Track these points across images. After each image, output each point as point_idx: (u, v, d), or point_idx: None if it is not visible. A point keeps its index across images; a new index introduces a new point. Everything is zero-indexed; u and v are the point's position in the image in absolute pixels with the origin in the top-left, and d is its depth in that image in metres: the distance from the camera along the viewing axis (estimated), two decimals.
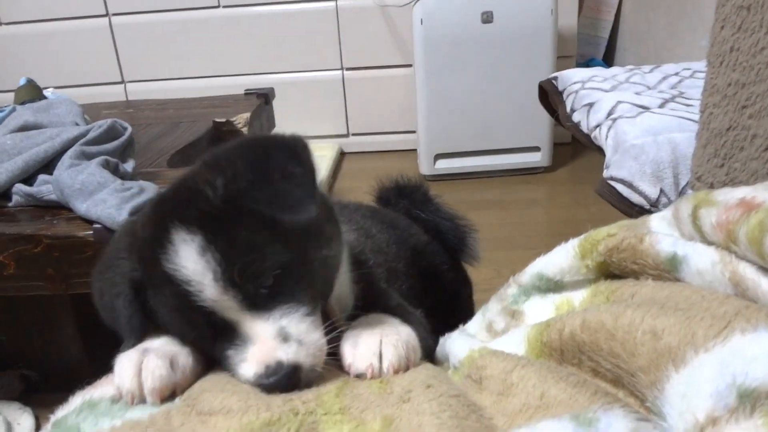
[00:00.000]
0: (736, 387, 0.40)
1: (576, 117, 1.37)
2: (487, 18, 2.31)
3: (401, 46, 2.71)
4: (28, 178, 1.25)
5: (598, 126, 1.26)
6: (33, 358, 1.45)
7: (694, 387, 0.42)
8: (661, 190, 1.09)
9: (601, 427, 0.44)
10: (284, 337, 0.56)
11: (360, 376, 0.58)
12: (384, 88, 2.79)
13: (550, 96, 1.56)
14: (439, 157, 2.53)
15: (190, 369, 0.59)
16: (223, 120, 1.77)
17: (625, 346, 0.48)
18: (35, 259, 1.13)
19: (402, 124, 2.82)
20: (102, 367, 0.62)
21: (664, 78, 1.46)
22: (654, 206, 1.08)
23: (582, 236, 0.63)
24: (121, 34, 2.80)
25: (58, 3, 2.75)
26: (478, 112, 2.45)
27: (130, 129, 1.35)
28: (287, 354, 0.55)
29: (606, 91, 1.37)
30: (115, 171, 1.23)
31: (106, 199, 1.12)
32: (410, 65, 2.61)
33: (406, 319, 0.66)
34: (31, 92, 1.64)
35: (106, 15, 2.77)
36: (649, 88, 1.40)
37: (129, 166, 1.29)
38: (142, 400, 0.56)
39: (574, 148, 2.77)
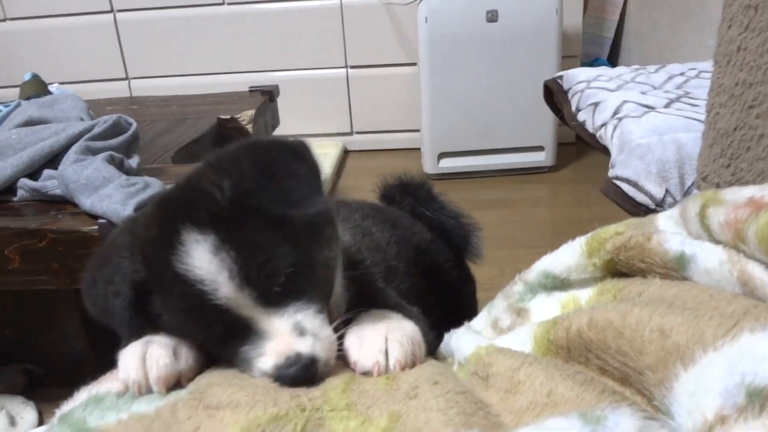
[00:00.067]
0: (745, 386, 0.40)
1: (581, 116, 1.37)
2: (492, 17, 2.31)
3: (406, 45, 2.71)
4: (33, 173, 1.25)
5: (603, 125, 1.26)
6: (37, 352, 1.46)
7: (702, 386, 0.42)
8: (667, 190, 1.08)
9: (608, 425, 0.44)
10: (300, 332, 0.57)
11: (366, 374, 0.58)
12: (388, 86, 2.79)
13: (555, 95, 1.56)
14: (443, 155, 2.53)
15: (194, 359, 0.60)
16: (228, 117, 1.77)
17: (633, 344, 0.48)
18: (40, 254, 1.13)
19: (406, 122, 2.82)
20: (106, 362, 0.63)
21: (670, 78, 1.45)
22: (659, 206, 1.08)
23: (589, 234, 0.63)
24: (126, 30, 2.80)
25: None
26: (482, 111, 2.45)
27: (135, 125, 1.35)
28: (305, 347, 0.56)
29: (611, 90, 1.37)
30: (120, 166, 1.23)
31: (111, 194, 1.12)
32: (414, 64, 2.61)
33: (404, 315, 0.66)
34: (36, 87, 1.64)
35: (111, 11, 2.77)
36: (654, 87, 1.40)
37: (134, 161, 1.29)
38: (149, 390, 0.56)
39: (578, 147, 2.77)
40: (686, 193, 1.09)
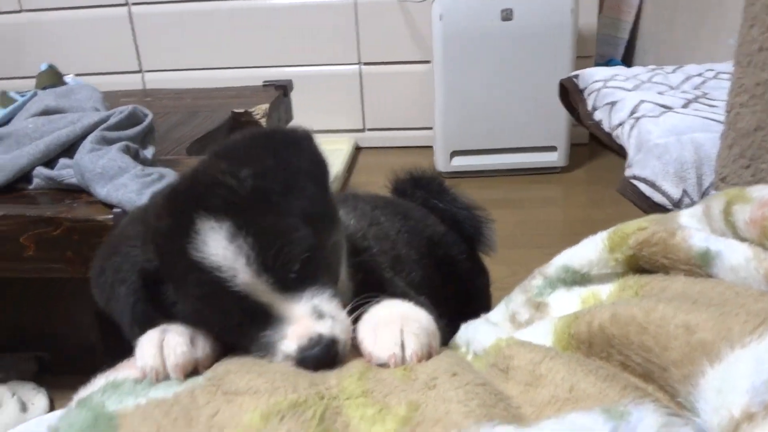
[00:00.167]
0: None
1: (597, 115, 1.36)
2: (507, 15, 2.30)
3: (420, 42, 2.70)
4: (49, 162, 1.26)
5: (620, 124, 1.25)
6: (48, 340, 1.46)
7: (729, 383, 0.42)
8: (684, 191, 1.07)
9: (632, 420, 0.43)
10: (319, 315, 0.58)
11: (382, 366, 0.58)
12: (401, 83, 2.78)
13: (570, 94, 1.55)
14: (455, 154, 2.53)
15: (210, 348, 0.60)
16: (242, 110, 1.77)
17: (658, 339, 0.47)
18: (55, 242, 1.14)
19: (418, 120, 2.81)
20: (116, 352, 0.63)
21: (687, 78, 1.44)
22: (676, 206, 1.07)
23: (611, 229, 0.62)
24: (141, 23, 2.81)
25: None
26: (495, 110, 2.44)
27: (150, 116, 1.36)
28: (325, 328, 0.57)
29: (628, 90, 1.36)
30: (136, 157, 1.23)
31: (126, 184, 1.12)
32: (428, 61, 2.60)
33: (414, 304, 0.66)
34: (52, 78, 1.65)
35: (126, 4, 2.78)
36: (671, 88, 1.39)
37: (149, 152, 1.29)
38: (166, 377, 0.56)
39: (591, 148, 2.76)
40: (704, 194, 1.08)
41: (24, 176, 1.25)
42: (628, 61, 2.85)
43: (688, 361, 0.45)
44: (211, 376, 0.55)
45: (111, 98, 1.77)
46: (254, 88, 2.04)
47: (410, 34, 2.70)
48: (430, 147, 2.68)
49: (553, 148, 2.50)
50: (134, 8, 2.78)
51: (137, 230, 0.61)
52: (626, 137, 1.21)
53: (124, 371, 0.58)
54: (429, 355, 0.58)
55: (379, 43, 2.74)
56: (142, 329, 0.59)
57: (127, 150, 1.21)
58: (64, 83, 1.63)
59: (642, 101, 1.26)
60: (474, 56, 2.36)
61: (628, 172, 1.16)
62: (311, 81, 2.72)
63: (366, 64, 2.78)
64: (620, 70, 1.53)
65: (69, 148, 1.26)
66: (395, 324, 0.59)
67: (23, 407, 1.35)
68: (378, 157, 2.85)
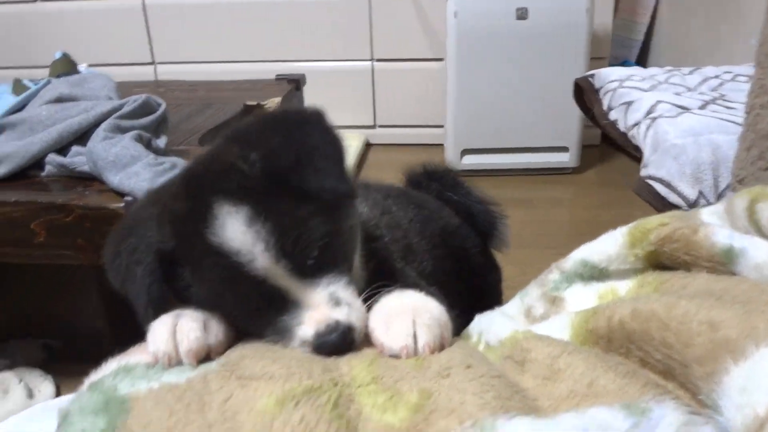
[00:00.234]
0: None
1: (613, 115, 1.35)
2: (522, 14, 2.29)
3: (433, 40, 2.69)
4: (62, 149, 1.26)
5: (636, 125, 1.24)
6: (56, 328, 1.46)
7: (754, 381, 0.41)
8: (700, 192, 1.06)
9: (653, 417, 0.43)
10: (336, 302, 0.58)
11: (393, 357, 0.57)
12: (413, 80, 2.77)
13: (585, 93, 1.54)
14: (466, 152, 2.52)
15: (223, 333, 0.59)
16: (254, 103, 1.76)
17: (680, 336, 0.46)
18: (66, 229, 1.14)
19: (430, 118, 2.81)
20: (124, 341, 0.62)
21: (705, 80, 1.43)
22: (692, 208, 1.06)
23: (631, 224, 0.62)
24: (154, 15, 2.81)
25: None
26: (507, 109, 2.43)
27: (164, 105, 1.35)
28: (342, 315, 0.57)
29: (645, 90, 1.35)
30: (148, 146, 1.23)
31: (139, 173, 1.12)
32: (441, 59, 2.60)
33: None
34: (66, 66, 1.65)
35: None
36: (689, 89, 1.38)
37: (162, 141, 1.29)
38: (179, 362, 0.56)
39: (602, 150, 2.74)
40: (720, 196, 1.07)
41: (36, 163, 1.25)
42: (642, 63, 2.84)
43: (712, 358, 0.44)
44: (225, 361, 0.54)
45: (124, 89, 1.77)
46: (267, 82, 2.03)
47: (423, 31, 2.69)
48: (441, 145, 2.67)
49: (564, 149, 2.49)
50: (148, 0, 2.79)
51: (152, 212, 0.60)
52: (642, 137, 1.20)
53: (136, 356, 0.58)
54: (441, 347, 0.57)
55: (392, 40, 2.73)
56: (157, 312, 0.58)
57: (140, 139, 1.21)
58: (77, 72, 1.63)
59: (659, 101, 1.25)
60: (487, 54, 2.35)
61: (643, 172, 1.15)
62: (323, 76, 2.71)
63: (378, 60, 2.78)
64: (637, 70, 1.52)
65: (82, 136, 1.25)
66: (407, 315, 0.58)
67: (30, 394, 1.35)
68: (388, 154, 2.84)
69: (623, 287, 0.61)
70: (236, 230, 0.55)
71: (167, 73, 2.83)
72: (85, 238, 1.14)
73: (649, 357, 0.49)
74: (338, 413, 0.46)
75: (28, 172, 1.25)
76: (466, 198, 1.08)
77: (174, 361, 0.56)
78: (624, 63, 2.79)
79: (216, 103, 1.80)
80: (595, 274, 0.63)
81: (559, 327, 0.56)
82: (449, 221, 1.02)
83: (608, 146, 2.78)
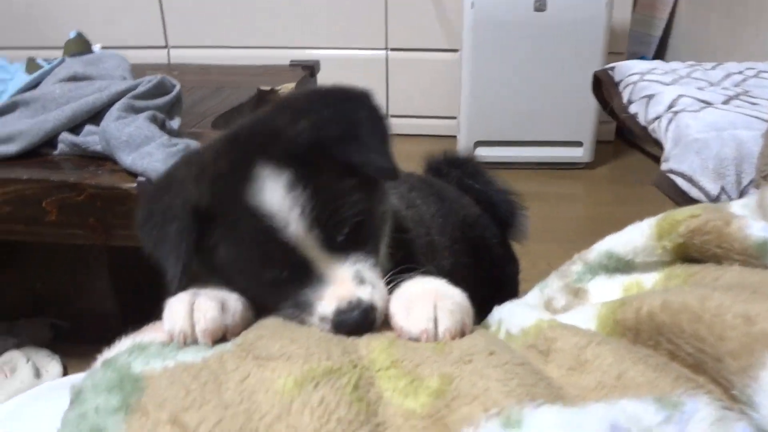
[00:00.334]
0: None
1: (633, 108, 1.33)
2: (540, 6, 2.26)
3: (448, 30, 2.67)
4: (75, 128, 1.25)
5: (657, 118, 1.22)
6: (65, 308, 1.46)
7: None
8: (722, 188, 1.04)
9: (686, 410, 0.41)
10: (360, 280, 0.58)
11: (412, 340, 0.56)
12: (428, 71, 2.75)
13: (604, 86, 1.51)
14: (479, 144, 2.50)
15: (240, 314, 0.58)
16: (268, 88, 1.75)
17: (713, 329, 0.45)
18: (78, 208, 1.13)
19: (443, 109, 2.78)
20: (133, 323, 0.61)
21: (727, 76, 1.41)
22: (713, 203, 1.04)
23: (659, 216, 0.60)
24: None
25: None
26: (522, 102, 2.41)
27: (178, 86, 1.34)
28: (365, 293, 0.57)
29: (666, 84, 1.33)
30: (162, 126, 1.21)
31: (152, 153, 1.11)
32: (456, 50, 2.57)
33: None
34: (80, 45, 1.63)
35: None
36: (711, 84, 1.35)
37: (175, 123, 1.28)
38: (194, 341, 0.55)
39: (616, 146, 2.72)
40: (742, 193, 1.05)
41: (49, 141, 1.24)
42: (659, 59, 2.80)
43: (747, 352, 0.42)
44: (241, 342, 0.53)
45: (137, 71, 1.75)
46: (281, 67, 2.02)
47: (439, 21, 2.67)
48: (453, 137, 2.65)
49: (578, 144, 2.46)
50: None
51: (188, 172, 0.61)
52: (663, 131, 1.18)
53: (150, 334, 0.56)
54: (462, 333, 0.56)
55: (408, 30, 2.71)
56: (183, 280, 0.58)
57: (153, 119, 1.20)
58: (91, 52, 1.61)
59: (681, 96, 1.23)
60: (504, 46, 2.32)
61: (664, 166, 1.13)
62: (337, 64, 2.68)
63: (393, 50, 2.76)
64: (658, 63, 1.49)
65: (95, 115, 1.24)
66: (429, 299, 0.57)
67: (37, 373, 1.35)
68: (400, 145, 2.76)
69: (649, 280, 0.59)
70: (275, 194, 0.55)
71: (180, 57, 2.81)
72: (96, 217, 1.13)
73: (679, 350, 0.48)
74: (358, 396, 0.45)
75: (40, 150, 1.24)
76: (486, 187, 1.07)
77: (189, 340, 0.55)
78: (641, 59, 2.75)
79: (229, 87, 1.79)
80: (620, 266, 0.62)
81: (585, 318, 0.55)
82: (470, 210, 1.00)
83: (622, 142, 2.75)
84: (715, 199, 1.03)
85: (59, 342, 1.45)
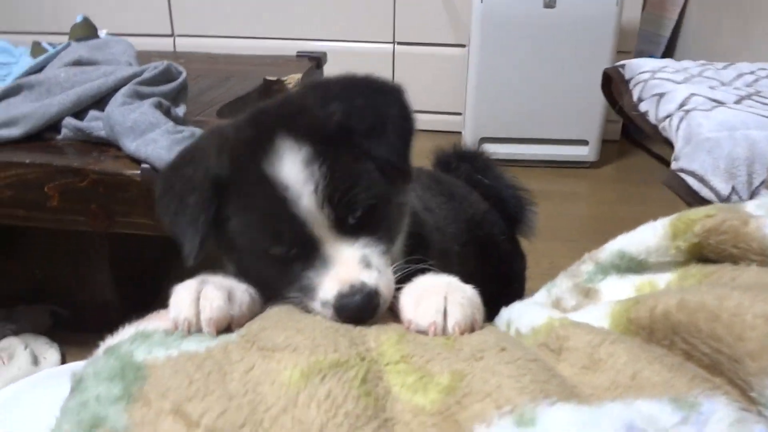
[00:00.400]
0: None
1: (643, 106, 1.32)
2: (550, 2, 2.24)
3: (456, 25, 2.65)
4: (79, 113, 1.24)
5: (668, 117, 1.20)
6: (64, 295, 1.44)
7: None
8: (733, 188, 1.03)
9: (703, 411, 0.40)
10: (366, 264, 0.57)
11: (421, 333, 0.55)
12: (434, 66, 2.73)
13: (614, 84, 1.50)
14: (484, 140, 2.48)
15: (247, 305, 0.58)
16: (275, 78, 1.74)
17: (732, 329, 0.44)
18: (80, 194, 1.11)
19: (448, 104, 2.77)
20: (132, 313, 0.60)
21: (739, 75, 1.39)
22: (724, 203, 1.03)
23: (674, 215, 0.59)
24: None
25: None
26: (529, 99, 2.39)
27: (184, 73, 1.33)
28: (369, 278, 0.56)
29: (677, 82, 1.31)
30: (167, 113, 1.20)
31: (157, 140, 1.09)
32: (464, 45, 2.55)
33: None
34: (86, 30, 1.62)
35: None
36: (723, 84, 1.34)
37: (181, 110, 1.26)
38: (199, 330, 0.54)
39: (622, 145, 2.71)
40: (753, 193, 1.04)
41: (53, 126, 1.23)
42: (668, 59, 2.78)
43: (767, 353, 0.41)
44: (245, 332, 0.52)
45: (143, 58, 1.74)
46: (288, 58, 2.00)
47: (448, 16, 2.65)
48: (459, 133, 2.64)
49: (584, 142, 2.45)
50: None
51: (213, 142, 0.61)
52: (674, 129, 1.17)
53: (154, 322, 0.55)
54: (472, 329, 0.55)
55: (415, 24, 2.69)
56: (202, 248, 0.58)
57: (159, 106, 1.19)
58: (97, 37, 1.60)
59: (692, 94, 1.22)
60: (512, 42, 2.30)
61: (674, 165, 1.11)
62: (343, 56, 2.65)
63: (400, 43, 2.74)
64: (669, 62, 1.48)
65: (100, 101, 1.23)
66: (439, 292, 0.57)
67: (35, 360, 1.34)
68: None
69: (663, 280, 0.58)
70: (292, 166, 0.55)
71: (186, 46, 2.79)
72: (98, 203, 1.12)
73: (695, 350, 0.47)
74: (366, 390, 0.43)
75: (44, 135, 1.23)
76: (496, 182, 1.06)
77: (194, 329, 0.54)
78: (650, 58, 2.74)
79: (235, 77, 1.77)
80: (632, 266, 0.60)
81: (597, 316, 0.54)
82: (478, 208, 0.99)
83: (628, 142, 2.74)
84: (726, 199, 1.02)
85: (58, 329, 1.43)
